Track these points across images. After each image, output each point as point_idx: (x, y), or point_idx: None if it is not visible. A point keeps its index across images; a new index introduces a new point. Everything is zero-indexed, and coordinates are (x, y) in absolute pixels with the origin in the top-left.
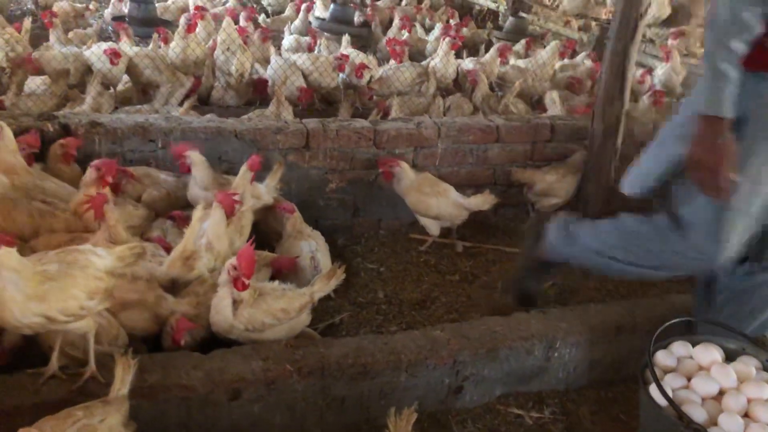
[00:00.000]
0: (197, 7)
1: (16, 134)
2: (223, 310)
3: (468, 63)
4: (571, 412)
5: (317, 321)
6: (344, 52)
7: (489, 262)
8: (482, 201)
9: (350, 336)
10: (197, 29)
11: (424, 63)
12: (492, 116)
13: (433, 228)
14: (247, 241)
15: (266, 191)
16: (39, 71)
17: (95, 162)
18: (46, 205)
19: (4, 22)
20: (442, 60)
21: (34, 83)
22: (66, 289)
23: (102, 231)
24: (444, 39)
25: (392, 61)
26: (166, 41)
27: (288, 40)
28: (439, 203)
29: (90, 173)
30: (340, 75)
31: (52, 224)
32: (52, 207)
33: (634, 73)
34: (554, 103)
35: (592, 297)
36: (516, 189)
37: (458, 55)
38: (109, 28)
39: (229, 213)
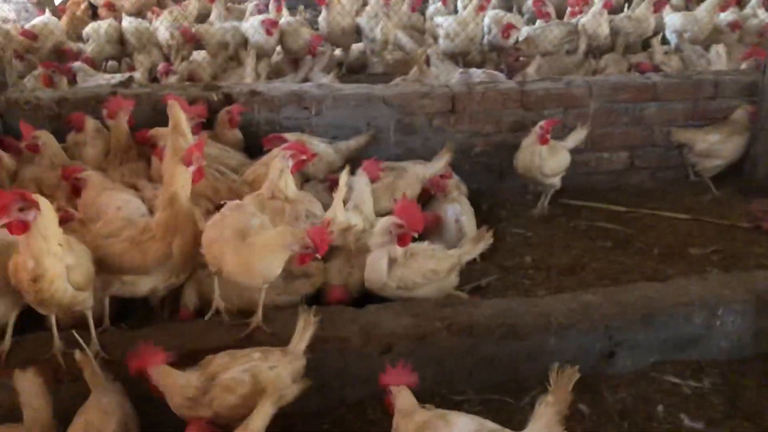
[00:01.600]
0: None
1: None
2: (378, 269)
3: (622, 19)
4: (734, 383)
5: (463, 283)
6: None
7: (646, 226)
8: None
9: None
10: None
11: (573, 21)
12: (649, 73)
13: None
14: None
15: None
16: (200, 45)
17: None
18: (219, 174)
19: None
20: (593, 18)
21: (199, 56)
22: None
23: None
24: None
25: (539, 21)
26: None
27: (433, 7)
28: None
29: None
30: (485, 36)
31: (231, 187)
32: (224, 176)
33: None
34: (720, 57)
35: (759, 264)
36: (675, 151)
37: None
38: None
39: (373, 178)
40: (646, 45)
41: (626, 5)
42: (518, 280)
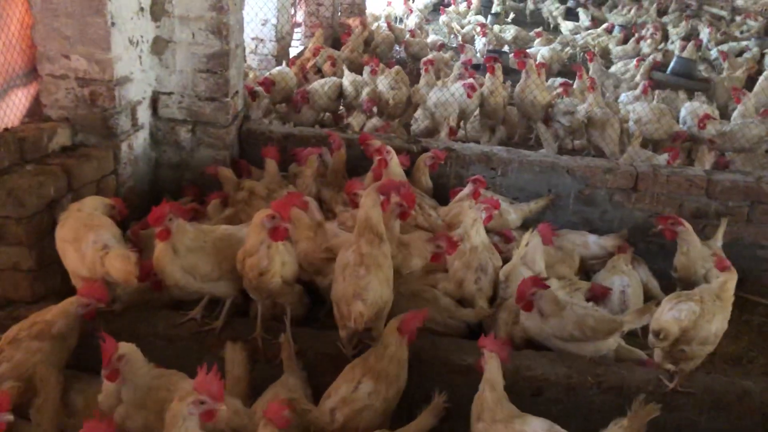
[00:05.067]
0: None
1: None
2: (532, 316)
3: None
4: None
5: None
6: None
7: None
8: None
9: None
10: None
11: None
12: None
13: None
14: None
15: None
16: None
17: (472, 177)
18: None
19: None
20: None
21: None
22: None
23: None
24: None
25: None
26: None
27: (624, 95)
28: None
29: (468, 187)
30: (681, 126)
31: (427, 221)
32: (422, 210)
33: None
34: None
35: None
36: None
37: None
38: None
39: (546, 242)
40: None
41: None
42: None
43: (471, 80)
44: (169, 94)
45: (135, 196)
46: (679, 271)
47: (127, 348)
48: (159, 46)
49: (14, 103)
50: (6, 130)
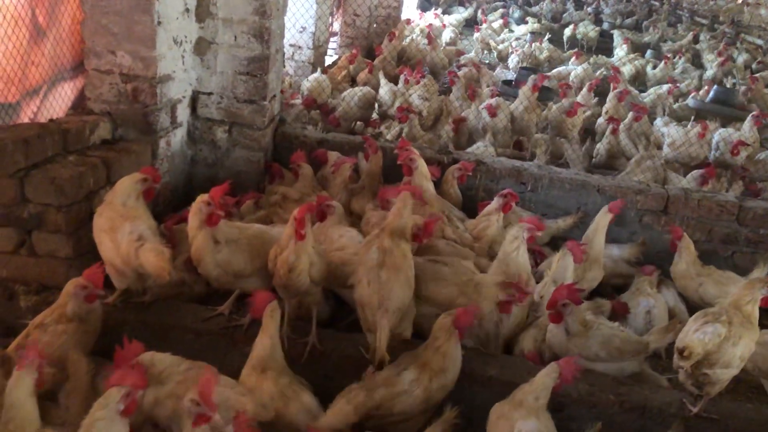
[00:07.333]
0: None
1: None
2: (558, 335)
3: None
4: None
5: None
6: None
7: None
8: None
9: None
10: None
11: None
12: None
13: None
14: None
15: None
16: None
17: (502, 192)
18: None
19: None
20: None
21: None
22: None
23: None
24: None
25: None
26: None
27: (659, 119)
28: None
29: (496, 201)
30: (713, 152)
31: (455, 232)
32: (451, 222)
33: None
34: None
35: None
36: None
37: None
38: (498, 89)
39: (577, 260)
40: None
41: None
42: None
43: (491, 101)
44: (209, 94)
45: (169, 192)
46: (676, 281)
47: (148, 359)
48: (201, 47)
49: (61, 96)
50: (51, 120)
